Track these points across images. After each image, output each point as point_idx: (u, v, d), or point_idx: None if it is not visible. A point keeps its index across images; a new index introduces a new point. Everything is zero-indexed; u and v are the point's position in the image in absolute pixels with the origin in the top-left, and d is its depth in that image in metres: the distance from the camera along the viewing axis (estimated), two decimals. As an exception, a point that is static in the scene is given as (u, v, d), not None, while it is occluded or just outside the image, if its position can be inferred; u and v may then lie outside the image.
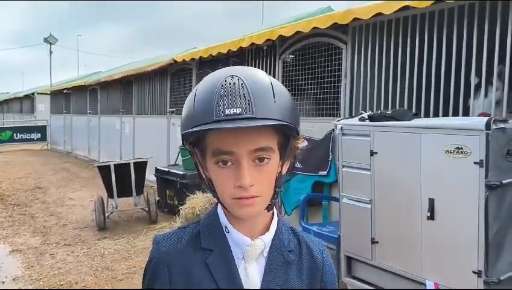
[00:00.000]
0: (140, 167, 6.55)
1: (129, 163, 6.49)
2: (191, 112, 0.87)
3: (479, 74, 3.67)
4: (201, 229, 0.98)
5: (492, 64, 3.56)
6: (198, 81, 0.96)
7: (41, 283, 4.45)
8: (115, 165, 6.40)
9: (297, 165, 4.99)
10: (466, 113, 3.81)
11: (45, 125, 18.73)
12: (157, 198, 6.92)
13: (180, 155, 7.49)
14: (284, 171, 0.95)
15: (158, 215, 6.61)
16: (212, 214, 0.99)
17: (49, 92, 19.88)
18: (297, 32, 5.14)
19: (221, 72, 0.89)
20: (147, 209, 6.58)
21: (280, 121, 0.85)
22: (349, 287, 3.71)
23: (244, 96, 0.83)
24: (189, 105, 0.88)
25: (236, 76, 0.85)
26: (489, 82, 3.66)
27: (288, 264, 0.96)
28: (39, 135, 18.63)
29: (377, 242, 3.40)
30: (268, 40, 5.65)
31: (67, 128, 16.54)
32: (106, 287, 4.33)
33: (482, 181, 2.69)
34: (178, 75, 8.75)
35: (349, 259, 3.70)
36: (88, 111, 14.33)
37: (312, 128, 5.04)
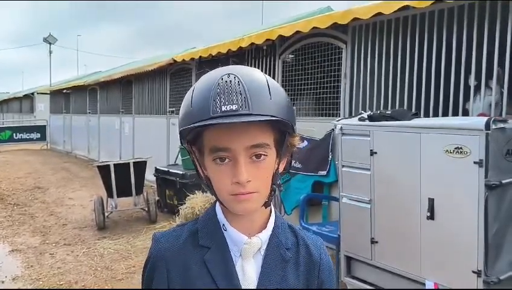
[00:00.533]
0: (140, 166, 6.54)
1: (129, 163, 6.49)
2: (189, 109, 0.88)
3: (478, 74, 3.67)
4: (200, 227, 0.99)
5: (492, 65, 3.56)
6: (198, 81, 0.97)
7: (41, 282, 4.45)
8: (114, 165, 6.40)
9: (297, 165, 4.99)
10: (466, 113, 3.82)
11: (45, 125, 18.72)
12: (157, 198, 6.92)
13: (179, 155, 7.49)
14: (281, 168, 0.96)
15: (158, 215, 6.61)
16: (210, 212, 1.01)
17: (48, 92, 19.87)
18: (297, 32, 5.14)
19: (217, 71, 0.90)
20: (146, 209, 6.58)
21: (276, 117, 0.86)
22: (348, 287, 3.71)
23: (241, 94, 0.84)
24: (187, 103, 0.90)
25: (232, 74, 0.87)
26: (488, 83, 3.66)
27: (286, 261, 0.97)
28: (39, 135, 18.62)
29: (376, 242, 3.40)
30: (268, 40, 5.65)
31: (66, 128, 16.54)
32: (106, 287, 4.33)
33: (481, 181, 2.69)
34: (178, 75, 8.75)
35: (349, 259, 3.70)
36: (88, 111, 14.33)
37: (312, 128, 5.05)
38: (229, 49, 6.36)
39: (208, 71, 0.94)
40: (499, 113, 3.57)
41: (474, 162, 2.71)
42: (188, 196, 5.57)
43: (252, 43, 5.89)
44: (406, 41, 4.24)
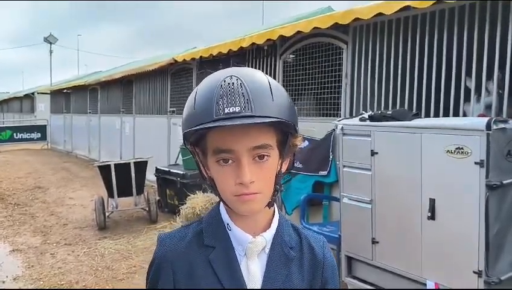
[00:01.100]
0: (141, 166, 6.55)
1: (129, 163, 6.50)
2: (192, 112, 0.89)
3: (479, 74, 3.67)
4: (204, 227, 1.00)
5: (493, 66, 3.56)
6: (198, 81, 0.98)
7: (42, 282, 4.46)
8: (115, 164, 6.41)
9: (298, 165, 4.99)
10: (466, 113, 3.81)
11: (45, 125, 18.73)
12: (158, 198, 6.92)
13: (180, 155, 7.49)
14: (284, 169, 0.97)
15: (158, 215, 6.61)
16: (214, 212, 1.01)
17: (49, 92, 19.88)
18: (298, 32, 5.14)
19: (220, 73, 0.91)
20: (147, 209, 6.58)
21: (278, 118, 0.87)
22: (349, 287, 3.71)
23: (243, 96, 0.85)
24: (190, 105, 0.90)
25: (235, 76, 0.87)
26: (488, 84, 3.66)
27: (290, 260, 0.98)
28: (39, 135, 18.63)
29: (377, 242, 3.40)
30: (268, 40, 5.65)
31: (67, 127, 16.54)
32: (106, 287, 4.33)
33: (482, 181, 2.69)
34: (178, 75, 8.75)
35: (349, 259, 3.71)
36: (88, 111, 14.33)
37: (313, 128, 5.05)
38: (230, 49, 6.36)
39: (209, 71, 0.95)
40: (497, 114, 3.56)
41: (475, 163, 2.71)
42: (189, 195, 5.57)
43: (253, 43, 5.89)
44: (407, 42, 4.24)
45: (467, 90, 3.79)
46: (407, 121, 3.25)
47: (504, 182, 2.71)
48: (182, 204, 5.56)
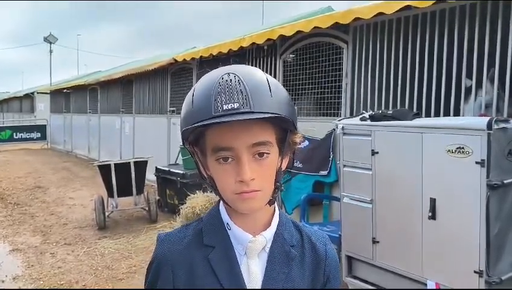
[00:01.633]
0: (141, 166, 6.54)
1: (129, 162, 6.49)
2: (190, 109, 0.88)
3: (480, 74, 3.66)
4: (204, 227, 0.99)
5: (493, 66, 3.56)
6: (198, 81, 0.97)
7: (42, 282, 4.45)
8: (115, 164, 6.41)
9: (298, 164, 4.99)
10: (467, 113, 3.81)
11: (45, 125, 18.73)
12: (158, 197, 6.92)
13: (180, 154, 7.49)
14: (284, 166, 0.96)
15: (158, 215, 6.61)
16: (214, 212, 1.01)
17: (49, 92, 19.87)
18: (298, 32, 5.13)
19: (218, 71, 0.90)
20: (147, 208, 6.58)
21: (277, 114, 0.86)
22: (350, 287, 3.71)
23: (241, 92, 0.84)
24: (188, 103, 0.90)
25: (232, 73, 0.87)
26: (487, 83, 3.66)
27: (291, 259, 0.97)
28: (39, 134, 18.62)
29: (378, 242, 3.40)
30: (269, 39, 5.64)
31: (67, 127, 16.53)
32: (106, 287, 4.32)
33: (483, 181, 2.68)
34: (178, 74, 8.75)
35: (350, 259, 3.70)
36: (88, 110, 14.32)
37: (313, 128, 5.04)
38: (230, 49, 6.36)
39: (209, 71, 0.94)
40: (496, 113, 3.55)
41: (476, 162, 2.71)
42: (189, 195, 5.57)
43: (253, 43, 5.89)
44: (407, 41, 4.24)
45: (468, 90, 3.78)
46: (407, 121, 3.25)
47: (505, 181, 2.71)
48: (182, 204, 5.56)
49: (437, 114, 3.98)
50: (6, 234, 6.11)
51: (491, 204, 2.69)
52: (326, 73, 5.08)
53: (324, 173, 4.82)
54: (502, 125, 2.72)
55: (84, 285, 4.36)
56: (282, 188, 0.98)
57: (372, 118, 3.47)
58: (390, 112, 3.47)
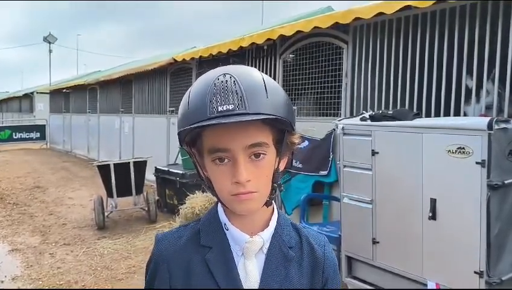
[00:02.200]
0: (140, 166, 6.54)
1: (129, 162, 6.48)
2: (186, 111, 0.88)
3: (480, 74, 3.66)
4: (201, 227, 0.99)
5: (493, 66, 3.55)
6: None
7: (41, 282, 4.44)
8: (114, 164, 6.39)
9: (298, 164, 4.98)
10: (467, 113, 3.80)
11: (44, 125, 18.71)
12: (157, 197, 6.91)
13: (179, 154, 7.48)
14: (282, 167, 0.95)
15: (158, 215, 6.60)
16: (212, 212, 1.01)
17: (48, 91, 19.85)
18: (298, 32, 5.13)
19: (214, 71, 0.90)
20: (146, 208, 6.57)
21: (272, 115, 0.85)
22: (349, 287, 3.70)
23: (237, 93, 0.84)
24: (184, 105, 0.90)
25: (228, 74, 0.86)
26: (488, 84, 3.65)
27: (288, 260, 0.97)
28: (38, 134, 18.61)
29: (378, 242, 3.39)
30: (268, 39, 5.64)
31: (66, 127, 16.52)
32: (106, 287, 4.31)
33: (484, 181, 2.68)
34: (178, 74, 8.74)
35: (349, 259, 3.70)
36: (87, 110, 14.31)
37: (313, 128, 5.04)
38: (230, 49, 6.35)
39: (208, 71, 0.94)
40: (498, 114, 3.55)
41: (477, 163, 2.70)
42: (188, 195, 5.56)
43: (253, 43, 5.88)
44: (408, 41, 4.23)
45: (468, 90, 3.78)
46: (408, 121, 3.24)
47: (505, 182, 2.71)
48: (181, 204, 5.55)
49: (437, 114, 3.97)
50: (6, 234, 6.10)
51: (492, 204, 2.68)
52: (326, 73, 5.08)
53: (324, 173, 4.81)
54: (503, 125, 2.71)
55: (83, 285, 4.34)
56: (282, 188, 0.98)
57: (372, 118, 3.46)
58: (391, 112, 3.47)
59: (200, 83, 0.90)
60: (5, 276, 4.59)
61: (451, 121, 3.17)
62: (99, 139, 13.18)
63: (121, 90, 11.67)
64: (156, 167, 7.27)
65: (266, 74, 0.92)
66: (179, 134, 0.90)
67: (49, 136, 18.60)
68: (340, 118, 4.20)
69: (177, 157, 7.87)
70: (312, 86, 5.29)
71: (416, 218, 3.08)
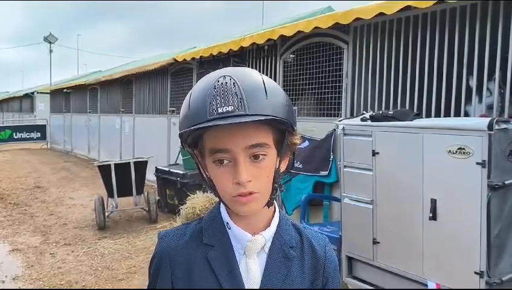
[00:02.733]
0: (141, 166, 6.54)
1: (129, 162, 6.49)
2: (187, 112, 0.90)
3: (480, 74, 3.66)
4: (204, 226, 1.00)
5: (494, 66, 3.55)
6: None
7: (41, 282, 4.44)
8: (115, 164, 6.40)
9: (299, 165, 4.98)
10: (467, 114, 3.81)
11: (45, 125, 18.73)
12: (158, 198, 6.91)
13: (180, 155, 7.49)
14: (283, 167, 0.96)
15: (158, 215, 6.60)
16: (214, 211, 1.02)
17: (49, 91, 19.85)
18: (299, 32, 5.13)
19: (214, 74, 0.91)
20: (147, 208, 6.57)
21: (272, 116, 0.86)
22: (350, 287, 3.70)
23: (236, 95, 0.85)
24: (185, 106, 0.91)
25: (228, 76, 0.87)
26: (489, 84, 3.65)
27: (289, 260, 0.98)
28: (39, 134, 18.62)
29: (378, 242, 3.39)
30: (269, 39, 5.64)
31: (67, 127, 16.53)
32: (106, 287, 4.32)
33: (484, 182, 2.68)
34: (178, 74, 8.74)
35: (350, 259, 3.70)
36: (88, 110, 14.32)
37: (313, 128, 5.04)
38: (230, 49, 6.36)
39: (209, 71, 0.95)
40: (499, 114, 3.55)
41: (477, 163, 2.70)
42: (189, 195, 5.56)
43: (253, 43, 5.88)
44: (408, 42, 4.23)
45: (468, 91, 3.78)
46: (408, 121, 3.25)
47: (506, 182, 2.71)
48: (182, 204, 5.54)
49: (438, 114, 3.97)
50: (6, 234, 6.10)
51: (492, 205, 2.69)
52: (327, 73, 5.08)
53: (324, 173, 4.81)
54: (503, 126, 2.72)
55: (84, 285, 4.35)
56: (283, 188, 0.98)
57: (373, 118, 3.46)
58: (391, 112, 3.47)
59: (201, 85, 0.91)
60: (6, 276, 4.60)
61: (452, 121, 3.17)
62: (99, 139, 13.19)
63: (122, 90, 11.68)
64: (156, 167, 7.28)
65: (267, 74, 0.92)
66: (180, 135, 0.91)
67: (49, 136, 18.61)
68: (340, 119, 4.20)
69: (177, 157, 7.87)
70: (312, 86, 5.29)
71: (416, 218, 3.08)
